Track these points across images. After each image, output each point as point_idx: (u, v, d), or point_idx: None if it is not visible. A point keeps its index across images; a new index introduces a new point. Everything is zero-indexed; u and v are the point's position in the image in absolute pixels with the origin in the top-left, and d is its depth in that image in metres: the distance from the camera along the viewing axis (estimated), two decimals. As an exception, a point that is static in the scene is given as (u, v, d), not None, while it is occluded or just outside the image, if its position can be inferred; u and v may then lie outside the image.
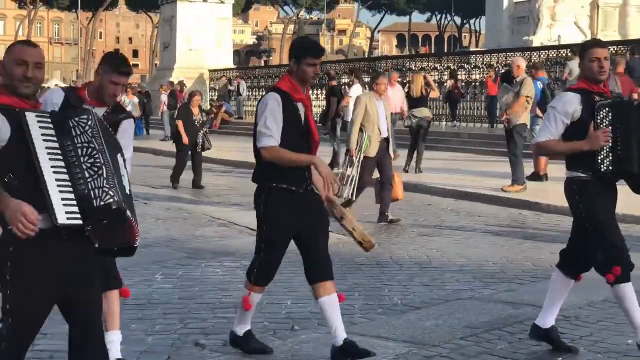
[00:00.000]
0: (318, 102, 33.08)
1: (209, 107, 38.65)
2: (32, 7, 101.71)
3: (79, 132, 4.05)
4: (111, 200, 3.93)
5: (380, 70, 34.50)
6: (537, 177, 16.47)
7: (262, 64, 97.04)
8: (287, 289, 8.31)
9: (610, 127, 5.89)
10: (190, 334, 6.79)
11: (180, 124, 17.30)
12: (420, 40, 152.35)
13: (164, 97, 34.47)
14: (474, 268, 9.34)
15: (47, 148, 3.98)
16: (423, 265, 9.51)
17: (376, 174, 12.42)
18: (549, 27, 52.24)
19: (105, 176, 3.97)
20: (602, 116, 5.92)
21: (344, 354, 6.00)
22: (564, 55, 26.47)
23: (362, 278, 8.84)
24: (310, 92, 33.33)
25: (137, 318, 7.13)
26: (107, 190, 3.94)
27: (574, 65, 22.55)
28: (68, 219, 3.91)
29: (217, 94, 42.01)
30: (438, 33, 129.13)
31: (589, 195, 6.01)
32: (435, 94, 20.82)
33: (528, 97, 14.96)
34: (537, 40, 49.58)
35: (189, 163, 17.47)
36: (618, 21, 55.04)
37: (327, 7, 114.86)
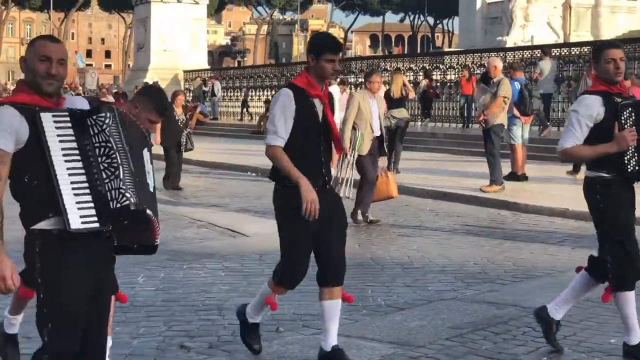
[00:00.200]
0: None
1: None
2: (3, 7, 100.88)
3: (96, 131, 3.97)
4: (127, 202, 3.88)
5: (355, 70, 34.60)
6: (514, 177, 16.54)
7: (236, 64, 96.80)
8: (271, 291, 8.30)
9: (634, 127, 5.84)
10: (175, 336, 6.76)
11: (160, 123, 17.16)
12: (393, 40, 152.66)
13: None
14: (456, 268, 9.37)
15: (63, 149, 3.92)
16: (404, 265, 9.52)
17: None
18: (522, 28, 52.51)
19: (121, 177, 3.90)
20: (625, 116, 5.86)
21: None
22: (538, 55, 26.61)
23: (345, 279, 8.79)
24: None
25: (121, 321, 7.09)
26: (123, 191, 3.88)
27: (544, 66, 22.73)
28: (83, 222, 3.88)
29: (191, 94, 41.90)
30: (411, 33, 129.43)
31: (610, 196, 5.95)
32: (412, 94, 20.85)
33: (505, 97, 15.03)
34: (510, 41, 49.83)
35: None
36: (590, 21, 55.43)
37: (300, 7, 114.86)
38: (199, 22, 48.51)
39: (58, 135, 3.93)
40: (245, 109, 41.34)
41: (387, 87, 20.02)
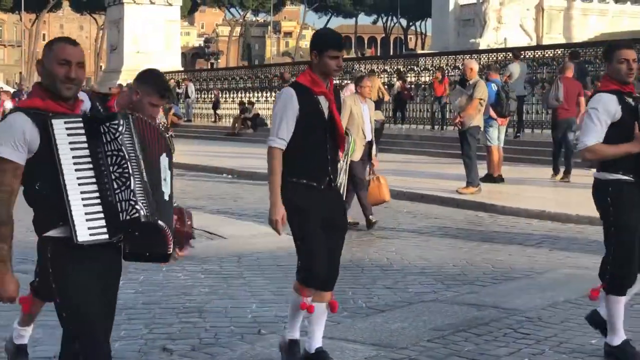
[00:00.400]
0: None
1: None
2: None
3: (109, 139, 3.87)
4: (137, 214, 3.81)
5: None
6: (490, 178, 16.60)
7: (209, 66, 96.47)
8: (251, 293, 8.31)
9: None
10: (157, 339, 6.73)
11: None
12: (366, 42, 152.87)
13: (113, 100, 34.16)
14: (435, 270, 9.39)
15: (74, 157, 3.84)
16: (384, 267, 9.53)
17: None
18: (495, 30, 52.80)
19: (132, 187, 3.83)
20: None
21: None
22: (511, 57, 26.75)
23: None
24: (264, 94, 33.21)
25: (102, 323, 7.04)
26: (133, 203, 3.81)
27: (514, 69, 22.84)
28: (91, 234, 3.81)
29: (165, 96, 41.62)
30: (384, 35, 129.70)
31: (621, 198, 5.89)
32: (386, 97, 20.91)
33: (481, 99, 15.07)
34: (483, 43, 50.12)
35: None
36: (562, 24, 55.86)
37: (273, 9, 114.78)
38: (172, 24, 48.46)
39: (70, 143, 3.84)
40: (215, 111, 41.33)
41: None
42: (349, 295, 8.19)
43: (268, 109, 37.00)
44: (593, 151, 5.87)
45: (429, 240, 11.45)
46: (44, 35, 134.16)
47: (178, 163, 22.06)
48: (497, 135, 16.68)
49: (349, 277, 9.01)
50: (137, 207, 3.81)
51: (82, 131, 3.89)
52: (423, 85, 31.88)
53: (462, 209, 14.21)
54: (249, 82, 40.68)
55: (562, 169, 17.24)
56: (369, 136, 11.92)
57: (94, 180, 3.85)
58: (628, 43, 6.27)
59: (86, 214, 3.81)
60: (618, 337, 6.16)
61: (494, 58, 27.65)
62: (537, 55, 26.96)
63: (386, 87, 28.21)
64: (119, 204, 3.82)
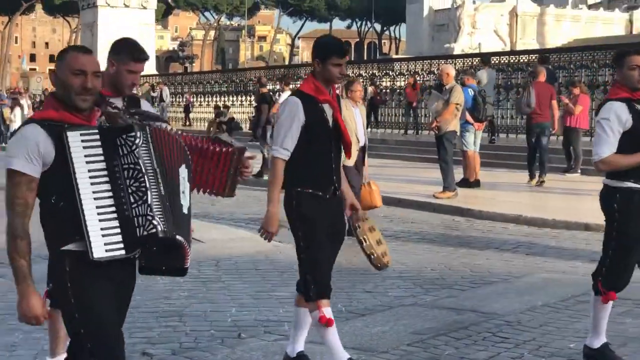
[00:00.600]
0: (250, 109, 33.12)
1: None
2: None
3: (125, 152, 3.75)
4: (154, 230, 3.70)
5: (304, 76, 34.66)
6: (466, 183, 16.66)
7: (183, 69, 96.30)
8: (230, 297, 8.30)
9: None
10: (137, 343, 6.69)
11: None
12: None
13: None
14: (414, 274, 9.41)
15: (90, 170, 3.71)
16: (363, 272, 9.51)
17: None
18: (470, 35, 53.09)
19: (149, 202, 3.71)
20: None
21: None
22: (479, 63, 26.93)
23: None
24: (239, 98, 33.15)
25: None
26: (150, 218, 3.70)
27: (482, 75, 23.02)
28: (107, 250, 3.69)
29: (139, 100, 41.52)
30: (358, 39, 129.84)
31: (629, 205, 5.86)
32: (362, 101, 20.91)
33: (457, 104, 15.12)
34: (458, 48, 50.34)
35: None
36: (536, 29, 56.21)
37: (248, 13, 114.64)
38: (147, 27, 48.22)
39: (86, 156, 3.71)
40: (187, 115, 41.25)
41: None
42: (329, 299, 8.18)
43: (243, 112, 37.03)
44: (607, 163, 5.83)
45: (406, 244, 11.47)
46: (16, 38, 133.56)
47: (153, 167, 22.08)
48: (473, 140, 16.74)
49: (328, 281, 9.02)
50: (154, 222, 3.71)
51: (98, 143, 3.76)
52: (398, 90, 31.96)
53: (439, 214, 14.26)
54: (224, 86, 40.63)
55: (537, 174, 17.34)
56: (363, 141, 11.79)
57: (110, 194, 3.73)
58: (639, 49, 6.18)
59: (102, 229, 3.69)
60: (599, 340, 6.21)
61: (469, 63, 27.74)
62: (511, 61, 27.08)
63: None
64: (135, 219, 3.71)
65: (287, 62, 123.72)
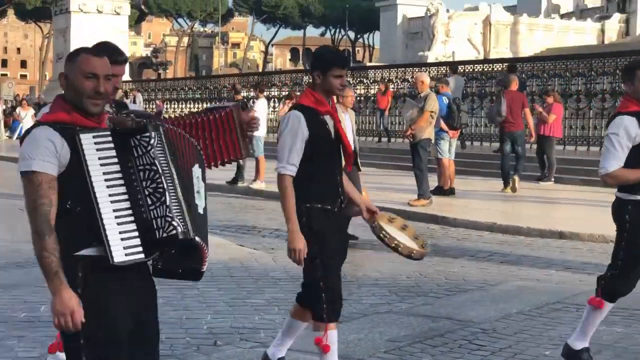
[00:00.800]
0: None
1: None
2: None
3: (140, 153, 3.65)
4: (174, 231, 3.61)
5: (278, 84, 34.67)
6: (441, 191, 16.70)
7: (157, 76, 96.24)
8: (206, 304, 8.27)
9: None
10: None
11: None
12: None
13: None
14: (389, 282, 9.42)
15: (105, 173, 3.60)
16: (338, 279, 9.51)
17: None
18: (443, 43, 53.29)
19: (168, 203, 3.62)
20: None
21: None
22: (462, 70, 27.04)
23: (279, 292, 8.83)
24: (213, 105, 33.17)
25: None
26: (170, 220, 3.61)
27: (450, 83, 23.17)
28: (127, 254, 3.58)
29: (112, 106, 41.38)
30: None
31: (639, 217, 5.95)
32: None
33: (432, 112, 15.16)
34: (431, 56, 50.51)
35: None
36: (509, 38, 56.56)
37: (221, 20, 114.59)
38: (120, 34, 48.01)
39: (100, 158, 3.61)
40: (158, 121, 41.12)
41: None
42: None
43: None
44: (615, 177, 5.90)
45: (381, 251, 11.42)
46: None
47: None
48: (448, 148, 16.79)
49: (304, 288, 9.00)
50: (174, 223, 3.62)
51: (112, 145, 3.66)
52: (372, 98, 32.02)
53: (414, 221, 14.17)
54: (198, 92, 40.56)
55: (512, 181, 17.41)
56: (353, 146, 11.69)
57: (126, 197, 3.63)
58: None
59: (120, 232, 3.59)
60: (581, 343, 6.25)
61: (443, 71, 27.86)
62: (485, 69, 27.22)
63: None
64: (154, 221, 3.61)
65: (260, 69, 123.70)
